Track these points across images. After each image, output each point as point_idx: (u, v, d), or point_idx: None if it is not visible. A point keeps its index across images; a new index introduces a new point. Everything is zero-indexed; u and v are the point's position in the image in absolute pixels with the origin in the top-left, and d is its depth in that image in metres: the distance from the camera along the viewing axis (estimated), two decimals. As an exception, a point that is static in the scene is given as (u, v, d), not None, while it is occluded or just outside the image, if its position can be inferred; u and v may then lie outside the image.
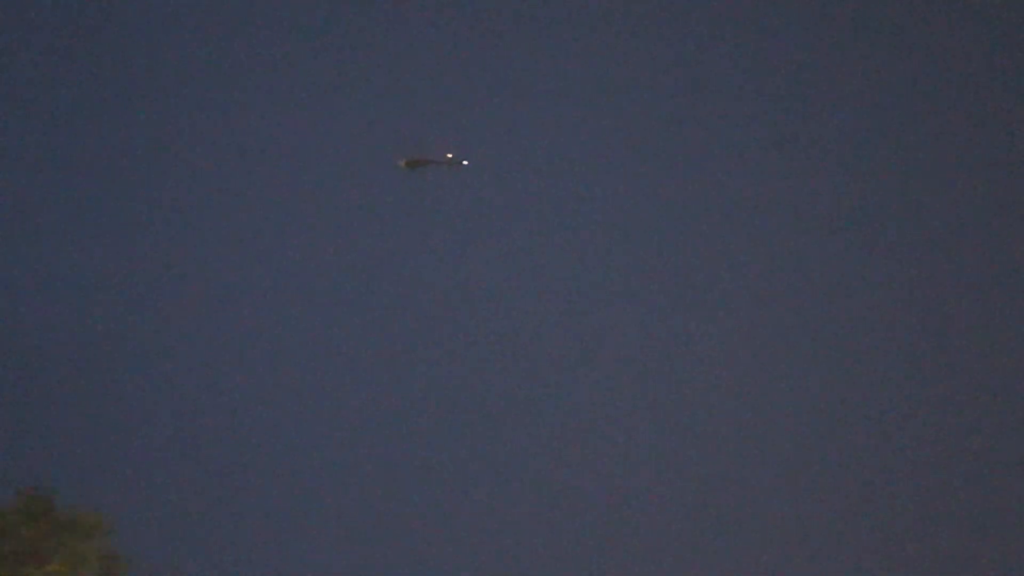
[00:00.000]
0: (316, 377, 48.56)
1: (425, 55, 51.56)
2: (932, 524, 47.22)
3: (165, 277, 48.26)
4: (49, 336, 47.51)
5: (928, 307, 53.64)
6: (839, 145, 55.99)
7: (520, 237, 51.50)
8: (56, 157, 50.05)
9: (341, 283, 48.25)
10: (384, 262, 48.78)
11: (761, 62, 56.47)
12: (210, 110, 50.78)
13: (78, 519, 29.56)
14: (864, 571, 45.65)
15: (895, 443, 50.64)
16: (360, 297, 48.00)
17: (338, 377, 48.32)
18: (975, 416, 51.22)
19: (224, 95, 51.01)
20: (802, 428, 50.13)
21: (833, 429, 50.88)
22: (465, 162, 41.36)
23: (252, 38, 52.06)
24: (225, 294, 47.77)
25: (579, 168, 52.94)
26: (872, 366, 52.91)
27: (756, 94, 56.30)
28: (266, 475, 45.84)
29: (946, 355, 52.69)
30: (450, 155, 41.07)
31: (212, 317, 47.71)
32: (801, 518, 47.05)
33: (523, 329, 50.03)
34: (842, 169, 56.15)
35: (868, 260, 55.35)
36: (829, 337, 53.41)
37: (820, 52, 57.19)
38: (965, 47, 56.41)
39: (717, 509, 46.58)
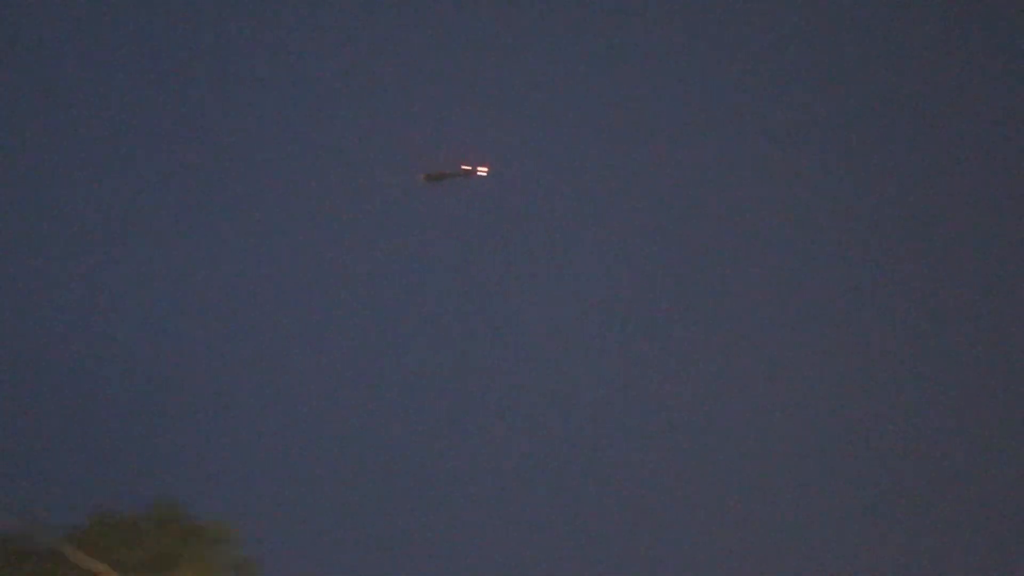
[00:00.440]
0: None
1: (441, 70, 51.99)
2: (932, 524, 46.67)
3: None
4: (179, 352, 48.87)
5: (936, 317, 52.83)
6: (859, 153, 55.35)
7: (536, 243, 51.89)
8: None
9: (379, 293, 49.04)
10: (406, 269, 49.57)
11: (782, 70, 55.94)
12: (241, 129, 51.65)
13: (205, 527, 30.28)
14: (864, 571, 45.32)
15: (901, 448, 50.11)
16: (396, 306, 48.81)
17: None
18: (979, 418, 50.49)
19: (255, 117, 51.81)
20: (810, 430, 49.90)
21: (838, 431, 50.57)
22: (481, 171, 42.01)
23: (280, 64, 52.74)
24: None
25: (595, 175, 53.09)
26: (880, 373, 52.29)
27: (772, 101, 55.78)
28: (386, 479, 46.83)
29: (953, 361, 51.90)
30: (466, 167, 41.76)
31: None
32: (804, 519, 46.75)
33: (538, 331, 50.33)
34: (854, 178, 55.53)
35: (878, 270, 54.73)
36: (837, 341, 52.91)
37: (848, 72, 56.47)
38: (967, 51, 55.45)
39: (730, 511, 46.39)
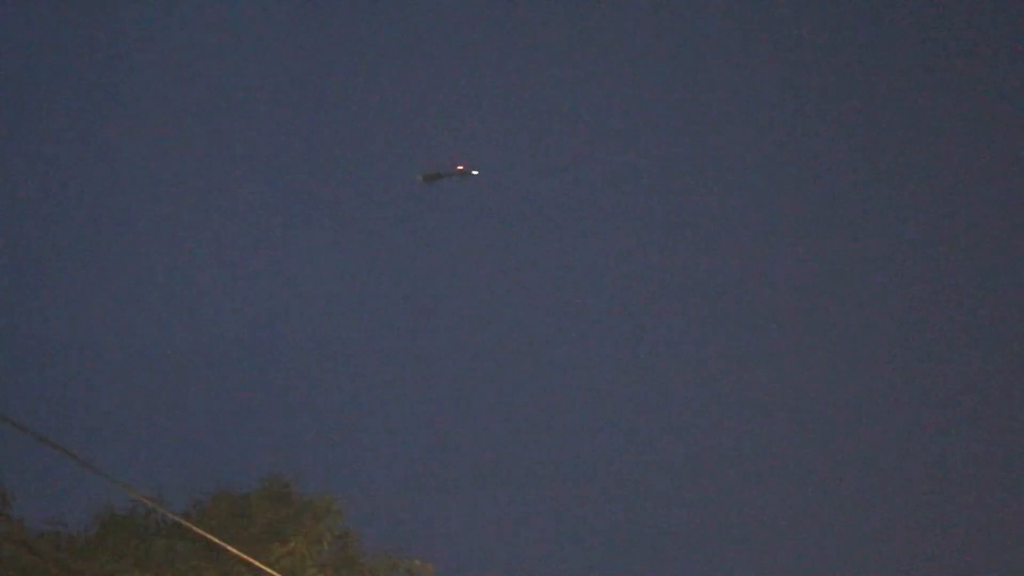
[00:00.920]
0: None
1: (436, 77, 52.71)
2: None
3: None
4: (283, 337, 50.62)
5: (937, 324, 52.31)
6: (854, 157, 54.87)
7: (528, 241, 52.57)
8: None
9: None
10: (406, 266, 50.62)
11: (778, 72, 55.59)
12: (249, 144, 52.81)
13: (313, 502, 31.44)
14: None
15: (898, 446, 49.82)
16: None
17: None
18: (978, 417, 50.10)
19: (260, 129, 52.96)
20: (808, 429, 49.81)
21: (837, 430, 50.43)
22: (475, 172, 43.40)
23: (279, 73, 53.67)
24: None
25: (584, 175, 53.48)
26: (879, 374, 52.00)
27: (766, 104, 55.52)
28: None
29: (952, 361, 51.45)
30: (461, 167, 43.21)
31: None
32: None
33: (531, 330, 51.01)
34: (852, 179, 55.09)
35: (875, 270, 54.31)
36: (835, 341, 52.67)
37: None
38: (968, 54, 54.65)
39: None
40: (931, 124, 56.41)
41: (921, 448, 50.69)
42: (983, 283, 54.26)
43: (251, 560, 28.00)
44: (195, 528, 28.36)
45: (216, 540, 27.79)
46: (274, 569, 28.65)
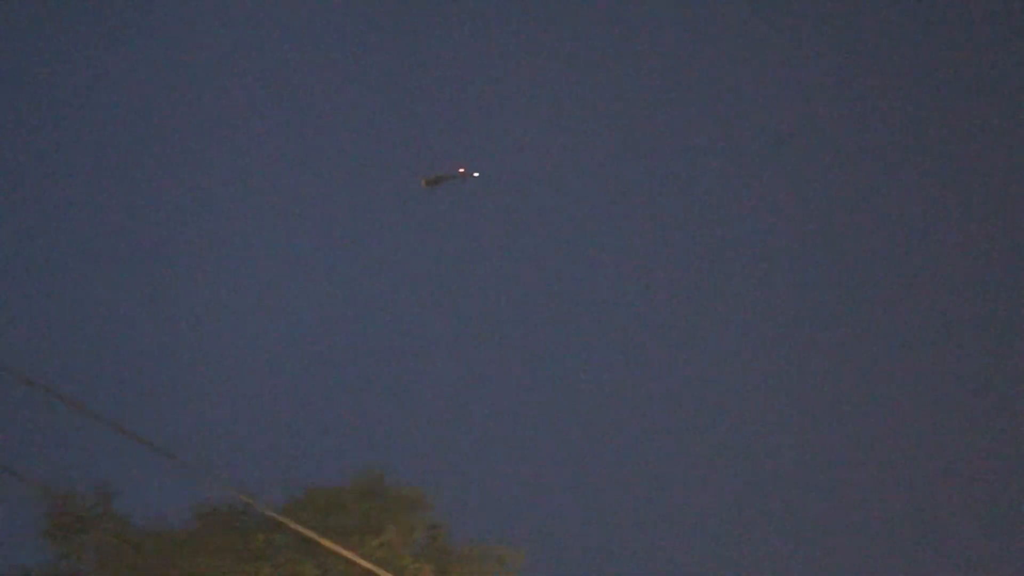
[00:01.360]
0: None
1: (438, 82, 52.93)
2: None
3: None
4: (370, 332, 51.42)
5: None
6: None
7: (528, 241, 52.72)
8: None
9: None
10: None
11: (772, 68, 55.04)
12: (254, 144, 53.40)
13: (405, 494, 32.16)
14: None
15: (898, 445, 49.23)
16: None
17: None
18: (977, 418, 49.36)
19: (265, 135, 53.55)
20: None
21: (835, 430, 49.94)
22: (476, 174, 43.94)
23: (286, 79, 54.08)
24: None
25: (583, 177, 53.43)
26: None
27: (770, 101, 54.96)
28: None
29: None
30: (461, 170, 43.77)
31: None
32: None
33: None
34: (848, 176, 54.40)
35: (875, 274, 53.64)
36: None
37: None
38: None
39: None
40: (930, 125, 56.01)
41: (918, 447, 50.64)
42: (984, 282, 53.87)
43: (346, 552, 28.12)
44: (291, 523, 28.63)
45: (311, 534, 27.91)
46: (368, 560, 28.70)
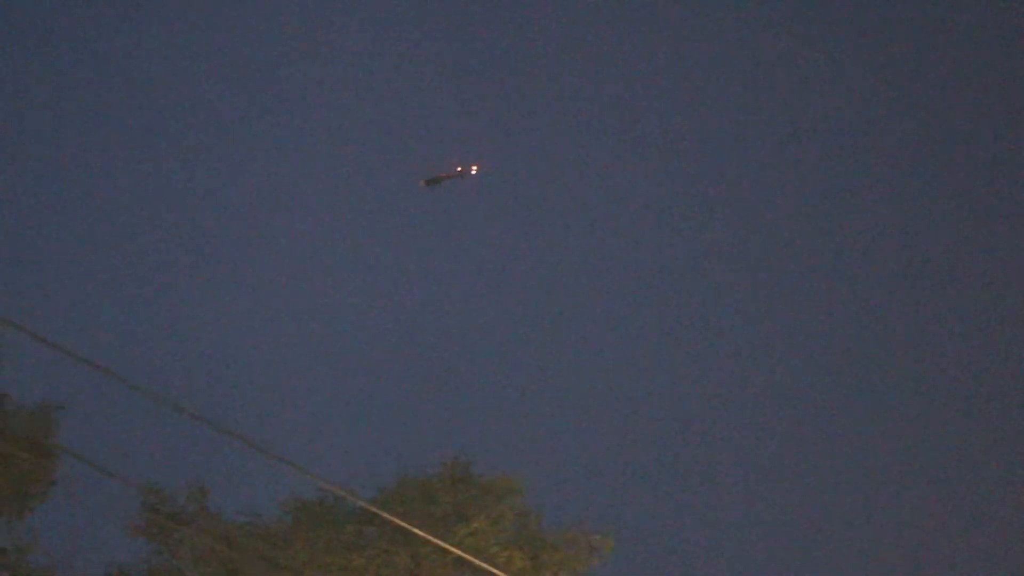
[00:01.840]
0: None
1: (436, 84, 52.89)
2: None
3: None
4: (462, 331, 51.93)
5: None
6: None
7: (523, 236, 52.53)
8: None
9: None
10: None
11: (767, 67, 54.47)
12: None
13: (494, 483, 32.31)
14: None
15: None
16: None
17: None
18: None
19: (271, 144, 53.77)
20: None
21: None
22: (474, 170, 43.97)
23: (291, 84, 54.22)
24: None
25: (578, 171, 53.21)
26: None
27: (771, 97, 54.44)
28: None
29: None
30: (459, 168, 43.91)
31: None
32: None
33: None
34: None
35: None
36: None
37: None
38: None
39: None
40: (931, 125, 55.64)
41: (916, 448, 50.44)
42: (984, 282, 53.50)
43: (437, 541, 29.12)
44: (383, 513, 29.20)
45: (403, 524, 28.72)
46: (459, 548, 29.47)
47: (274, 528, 31.61)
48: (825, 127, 56.59)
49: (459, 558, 30.13)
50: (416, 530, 28.74)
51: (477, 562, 29.71)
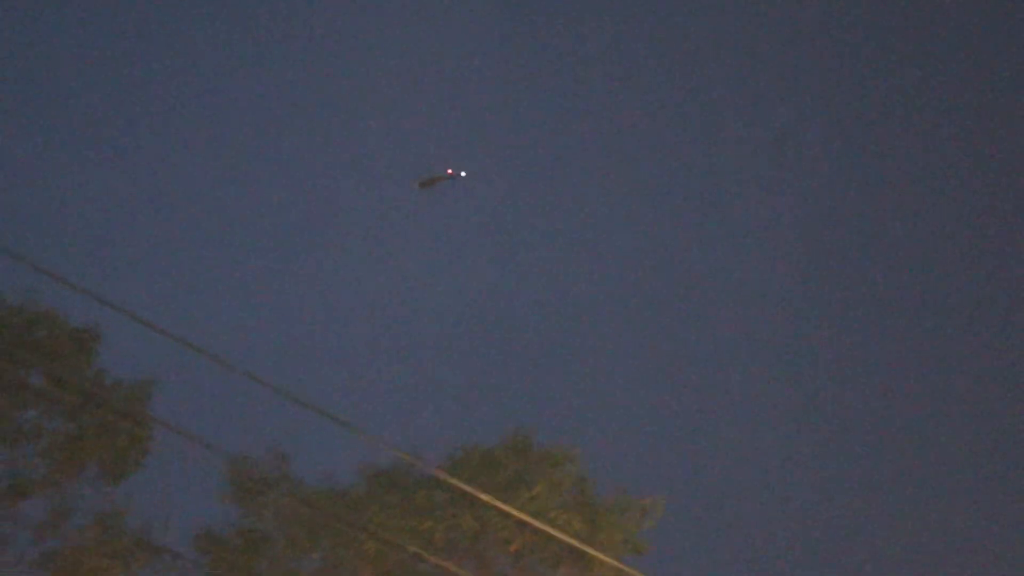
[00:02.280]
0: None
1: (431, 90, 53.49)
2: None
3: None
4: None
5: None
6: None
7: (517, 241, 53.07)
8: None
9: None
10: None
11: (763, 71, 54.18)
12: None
13: (552, 451, 33.78)
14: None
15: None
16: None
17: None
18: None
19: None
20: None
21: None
22: (463, 173, 46.75)
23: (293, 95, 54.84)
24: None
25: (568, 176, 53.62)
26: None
27: (762, 102, 54.16)
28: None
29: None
30: (450, 171, 45.54)
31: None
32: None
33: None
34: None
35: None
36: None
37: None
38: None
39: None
40: (931, 126, 55.21)
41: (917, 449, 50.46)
42: (984, 283, 53.10)
43: (501, 505, 30.40)
44: (450, 479, 30.65)
45: (469, 489, 30.20)
46: (521, 512, 30.77)
47: (351, 493, 32.90)
48: (823, 131, 56.50)
49: (521, 521, 31.34)
50: (481, 495, 30.15)
51: (538, 524, 30.92)
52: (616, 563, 32.25)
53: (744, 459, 48.25)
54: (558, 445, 33.96)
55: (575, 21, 56.39)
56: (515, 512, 30.60)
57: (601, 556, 31.98)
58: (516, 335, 52.00)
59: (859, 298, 53.58)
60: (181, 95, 57.85)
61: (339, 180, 57.80)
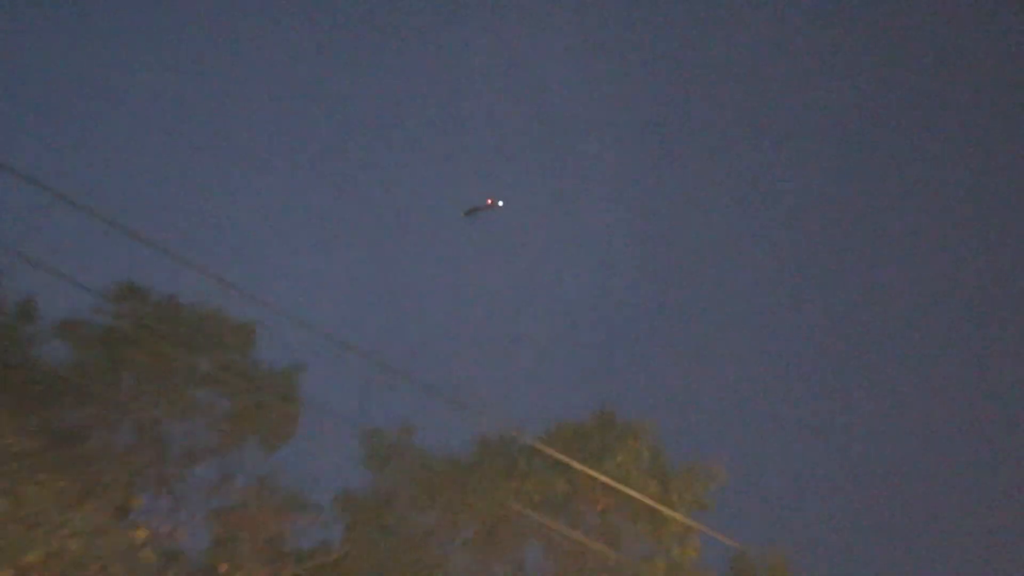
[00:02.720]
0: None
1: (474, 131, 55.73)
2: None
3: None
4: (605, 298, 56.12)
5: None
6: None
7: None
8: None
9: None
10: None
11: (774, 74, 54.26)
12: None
13: (633, 425, 36.34)
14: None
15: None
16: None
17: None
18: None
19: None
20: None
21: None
22: (500, 203, 49.92)
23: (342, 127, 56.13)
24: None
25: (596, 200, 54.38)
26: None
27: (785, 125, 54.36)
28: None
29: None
30: (490, 200, 49.91)
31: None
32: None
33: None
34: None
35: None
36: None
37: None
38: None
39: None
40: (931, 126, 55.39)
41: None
42: (985, 282, 53.62)
43: (589, 471, 33.20)
44: (546, 449, 33.41)
45: (562, 457, 33.01)
46: (606, 477, 33.58)
47: (464, 459, 35.26)
48: (830, 124, 56.91)
49: (606, 485, 33.77)
50: (572, 463, 32.93)
51: (621, 487, 33.51)
52: (686, 519, 34.75)
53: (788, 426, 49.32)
54: (637, 420, 36.46)
55: (606, 58, 57.76)
56: (601, 477, 33.15)
57: (673, 514, 34.40)
58: (602, 329, 55.34)
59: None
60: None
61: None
